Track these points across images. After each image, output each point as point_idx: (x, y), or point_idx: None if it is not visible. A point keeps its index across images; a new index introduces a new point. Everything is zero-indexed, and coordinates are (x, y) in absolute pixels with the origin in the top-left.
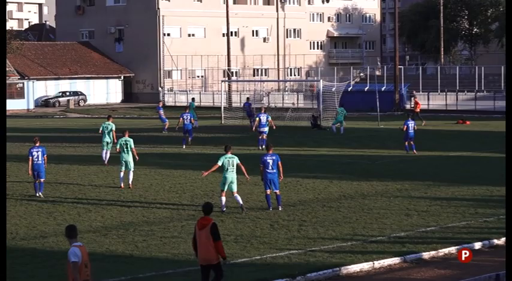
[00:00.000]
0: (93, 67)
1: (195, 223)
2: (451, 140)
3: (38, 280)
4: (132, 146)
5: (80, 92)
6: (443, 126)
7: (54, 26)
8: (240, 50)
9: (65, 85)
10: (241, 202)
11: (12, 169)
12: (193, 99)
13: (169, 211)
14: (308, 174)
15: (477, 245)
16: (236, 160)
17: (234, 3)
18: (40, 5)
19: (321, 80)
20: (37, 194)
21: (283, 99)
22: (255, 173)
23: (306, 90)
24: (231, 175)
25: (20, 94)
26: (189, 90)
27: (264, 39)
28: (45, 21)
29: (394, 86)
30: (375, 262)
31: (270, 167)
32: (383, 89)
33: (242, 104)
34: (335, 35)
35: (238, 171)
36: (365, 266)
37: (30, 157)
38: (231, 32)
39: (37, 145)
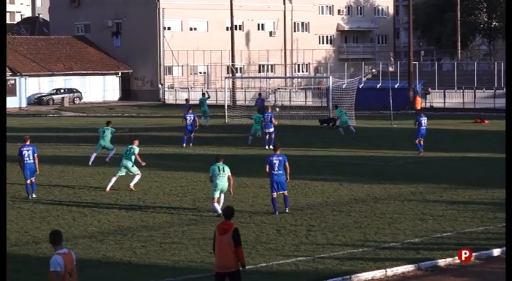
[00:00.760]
0: (89, 63)
1: (215, 228)
2: (469, 140)
3: None
4: (136, 152)
5: (75, 89)
6: (460, 126)
7: (48, 19)
8: (245, 45)
9: (59, 82)
10: (220, 206)
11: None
12: (203, 94)
13: (169, 215)
14: (316, 176)
15: (496, 251)
16: (227, 169)
17: None
18: None
19: (331, 77)
20: (29, 197)
21: (290, 97)
22: (261, 174)
23: (315, 88)
24: (223, 181)
25: (11, 91)
26: (191, 88)
27: (270, 33)
28: (39, 14)
29: (408, 83)
30: (387, 269)
31: (277, 168)
32: (396, 86)
33: (254, 101)
34: (345, 29)
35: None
36: (377, 274)
37: (20, 157)
38: (235, 26)
39: (27, 143)
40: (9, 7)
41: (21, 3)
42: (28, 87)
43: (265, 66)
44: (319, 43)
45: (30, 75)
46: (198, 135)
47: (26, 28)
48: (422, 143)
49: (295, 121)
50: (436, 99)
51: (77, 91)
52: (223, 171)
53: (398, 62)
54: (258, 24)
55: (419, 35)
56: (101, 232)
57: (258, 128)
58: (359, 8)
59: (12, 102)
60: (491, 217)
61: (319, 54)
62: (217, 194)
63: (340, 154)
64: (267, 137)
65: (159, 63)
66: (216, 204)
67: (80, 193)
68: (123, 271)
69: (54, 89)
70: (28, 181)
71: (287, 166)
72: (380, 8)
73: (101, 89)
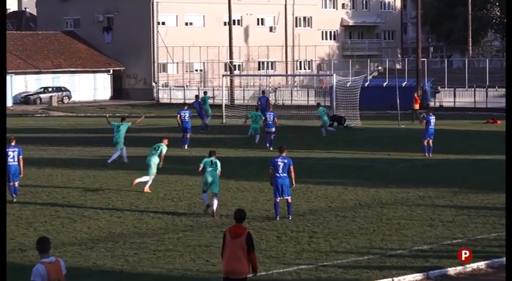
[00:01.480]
0: (79, 60)
1: (225, 232)
2: (480, 141)
3: None
4: (164, 151)
5: (64, 87)
6: (471, 126)
7: (35, 14)
8: (244, 41)
9: (47, 80)
10: (215, 208)
11: None
12: (205, 92)
13: (163, 221)
14: (319, 179)
15: None
16: (219, 165)
17: None
18: None
19: (334, 74)
20: (14, 200)
21: (291, 96)
22: (261, 178)
23: (317, 86)
24: (212, 174)
25: None
26: (186, 86)
27: (271, 29)
28: (25, 8)
29: (416, 81)
30: (394, 278)
31: (281, 171)
32: (404, 84)
33: (257, 99)
34: (350, 24)
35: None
36: None
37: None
38: (234, 21)
39: (13, 144)
40: None
41: None
42: (14, 85)
43: (265, 63)
44: (322, 39)
45: (16, 73)
46: (194, 137)
47: (12, 23)
48: (431, 144)
49: (297, 121)
50: (445, 98)
51: (66, 90)
52: (215, 166)
53: (406, 59)
54: (258, 19)
55: (428, 30)
56: (91, 239)
57: (257, 127)
58: (364, 2)
59: None
60: (503, 223)
61: (322, 51)
62: (205, 187)
63: (344, 156)
64: (268, 137)
65: (152, 61)
66: (205, 194)
67: (69, 197)
68: (114, 280)
69: (41, 88)
70: (11, 183)
71: (291, 169)
72: (387, 1)
73: (91, 87)
